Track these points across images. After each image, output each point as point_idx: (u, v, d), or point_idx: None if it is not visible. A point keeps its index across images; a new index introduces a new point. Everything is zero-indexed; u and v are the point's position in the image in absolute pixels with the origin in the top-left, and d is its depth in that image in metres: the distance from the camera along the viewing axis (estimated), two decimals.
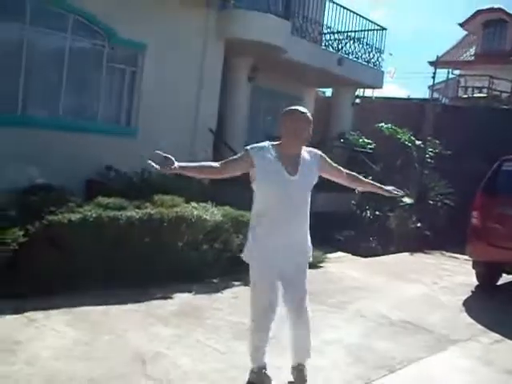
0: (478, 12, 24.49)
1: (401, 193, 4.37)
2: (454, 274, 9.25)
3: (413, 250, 11.13)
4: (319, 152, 3.89)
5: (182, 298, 5.94)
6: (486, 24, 24.58)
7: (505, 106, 16.08)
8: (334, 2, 12.92)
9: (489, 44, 24.44)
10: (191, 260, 6.59)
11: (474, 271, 8.41)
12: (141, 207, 6.32)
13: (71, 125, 8.53)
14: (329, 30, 13.12)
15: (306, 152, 3.80)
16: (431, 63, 25.59)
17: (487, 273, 8.27)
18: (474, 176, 12.14)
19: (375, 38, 14.07)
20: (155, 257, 6.17)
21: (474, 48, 25.27)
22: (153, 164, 3.44)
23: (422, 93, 25.23)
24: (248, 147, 3.72)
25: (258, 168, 3.63)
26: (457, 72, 23.98)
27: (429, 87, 26.49)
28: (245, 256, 3.86)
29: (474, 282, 8.38)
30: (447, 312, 6.78)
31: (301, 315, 3.86)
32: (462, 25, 25.07)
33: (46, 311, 4.88)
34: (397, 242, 11.23)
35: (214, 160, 10.54)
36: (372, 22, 13.82)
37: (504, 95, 19.49)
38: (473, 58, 24.89)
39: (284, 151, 3.70)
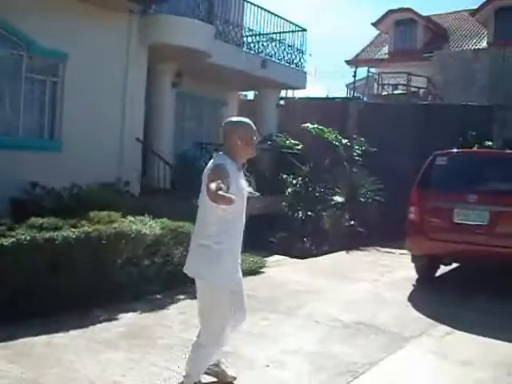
0: (390, 12, 25.17)
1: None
2: (392, 270, 9.35)
3: (348, 248, 11.19)
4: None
5: (127, 319, 5.61)
6: (398, 23, 25.31)
7: (424, 102, 16.58)
8: (253, 4, 12.86)
9: (401, 43, 25.14)
10: (132, 277, 6.29)
11: (412, 265, 8.53)
12: (77, 226, 5.93)
13: None
14: (251, 32, 13.04)
15: None
16: (348, 62, 26.16)
17: (426, 266, 8.40)
18: (399, 170, 12.53)
19: (296, 39, 14.12)
20: (95, 276, 5.83)
21: (387, 47, 25.96)
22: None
23: (340, 92, 25.75)
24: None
25: None
26: (373, 70, 24.53)
27: (347, 86, 27.04)
28: None
29: (414, 275, 8.48)
30: (394, 309, 6.80)
31: None
32: (374, 24, 25.72)
33: None
34: (331, 241, 11.28)
35: (144, 171, 10.33)
36: (292, 23, 13.87)
37: (421, 91, 20.12)
38: (387, 56, 25.57)
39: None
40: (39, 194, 7.84)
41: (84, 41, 8.83)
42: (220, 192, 3.17)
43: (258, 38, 13.41)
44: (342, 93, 37.95)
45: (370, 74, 20.51)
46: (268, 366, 4.57)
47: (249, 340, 5.05)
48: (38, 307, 5.21)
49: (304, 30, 14.14)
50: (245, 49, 13.02)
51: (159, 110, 11.10)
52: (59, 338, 4.85)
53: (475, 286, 8.05)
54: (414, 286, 8.16)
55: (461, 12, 25.80)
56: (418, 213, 8.06)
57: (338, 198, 12.50)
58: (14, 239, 5.15)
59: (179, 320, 5.68)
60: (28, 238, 5.22)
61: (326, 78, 50.97)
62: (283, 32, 13.65)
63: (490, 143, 12.80)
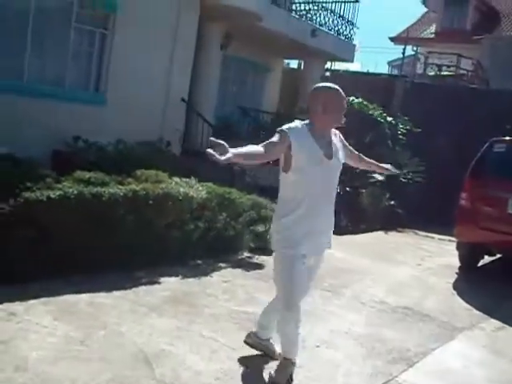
0: None
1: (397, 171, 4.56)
2: (433, 255, 9.08)
3: (386, 228, 10.92)
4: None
5: (170, 283, 5.43)
6: (448, 2, 24.45)
7: (472, 86, 16.03)
8: None
9: (449, 22, 24.34)
10: (175, 240, 6.09)
11: (452, 252, 8.28)
12: (123, 183, 5.73)
13: (36, 90, 7.81)
14: None
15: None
16: (392, 39, 25.48)
17: (471, 254, 8.10)
18: (442, 154, 12.17)
19: (347, 10, 13.63)
20: (138, 237, 5.63)
21: (434, 26, 25.16)
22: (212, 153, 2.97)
23: (381, 68, 25.14)
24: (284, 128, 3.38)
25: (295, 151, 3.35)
26: (416, 49, 23.87)
27: (389, 63, 26.41)
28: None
29: (455, 263, 8.20)
30: (440, 296, 6.56)
31: None
32: (424, 2, 24.92)
33: (24, 302, 4.26)
34: (369, 219, 11.00)
35: (187, 132, 10.13)
36: None
37: (469, 74, 19.47)
38: (433, 35, 24.80)
39: (319, 132, 3.47)
40: (82, 147, 7.66)
41: None
42: None
43: (309, 5, 12.96)
44: (379, 69, 37.13)
45: (417, 52, 19.83)
46: (318, 346, 4.36)
47: None
48: (81, 264, 5.04)
49: (356, 0, 13.65)
50: (296, 15, 12.60)
51: (206, 71, 10.83)
52: (102, 297, 4.68)
53: None
54: (456, 273, 7.88)
55: None
56: (470, 200, 7.72)
57: (379, 176, 12.12)
58: (61, 192, 4.96)
59: (223, 289, 5.49)
60: (75, 192, 5.03)
61: (364, 52, 50.01)
62: (336, 1, 13.16)
63: None
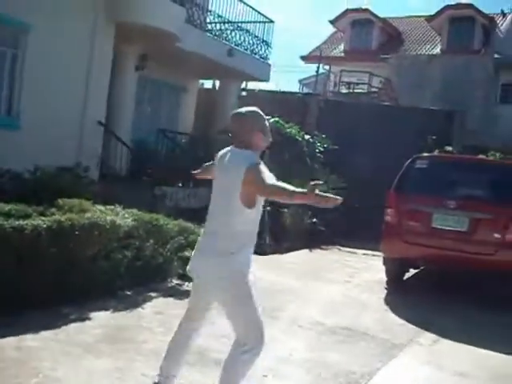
0: (348, 11, 25.10)
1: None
2: (360, 271, 9.18)
3: (310, 246, 10.95)
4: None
5: (101, 318, 5.09)
6: (354, 23, 25.25)
7: (384, 103, 16.55)
8: None
9: (357, 42, 25.08)
10: (103, 271, 5.75)
11: (378, 267, 8.38)
12: (46, 214, 5.35)
13: None
14: (219, 19, 12.52)
15: None
16: (303, 58, 26.01)
17: (398, 268, 8.24)
18: (358, 170, 12.45)
19: (263, 30, 13.71)
20: (64, 270, 5.28)
21: (342, 45, 25.87)
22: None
23: (292, 87, 25.62)
24: None
25: None
26: (326, 67, 24.49)
27: (300, 81, 26.90)
28: None
29: (383, 277, 8.30)
30: (375, 313, 6.60)
31: None
32: (332, 22, 25.58)
33: None
34: (291, 238, 10.98)
35: (105, 156, 9.71)
36: (260, 13, 13.43)
37: (381, 92, 20.09)
38: (342, 54, 25.47)
39: None
40: None
41: (49, 12, 8.16)
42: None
43: (225, 25, 12.92)
44: (290, 88, 38.01)
45: (328, 71, 20.30)
46: (266, 375, 4.21)
47: None
48: (2, 303, 4.62)
49: (271, 21, 13.75)
50: (212, 35, 12.50)
51: (122, 93, 10.49)
52: (30, 340, 4.29)
53: (445, 290, 7.98)
54: (386, 288, 7.98)
55: (416, 17, 26.05)
56: (394, 215, 7.86)
57: None
58: None
59: (158, 321, 5.22)
60: None
61: (276, 71, 50.95)
62: (251, 22, 13.21)
63: (450, 148, 12.83)
